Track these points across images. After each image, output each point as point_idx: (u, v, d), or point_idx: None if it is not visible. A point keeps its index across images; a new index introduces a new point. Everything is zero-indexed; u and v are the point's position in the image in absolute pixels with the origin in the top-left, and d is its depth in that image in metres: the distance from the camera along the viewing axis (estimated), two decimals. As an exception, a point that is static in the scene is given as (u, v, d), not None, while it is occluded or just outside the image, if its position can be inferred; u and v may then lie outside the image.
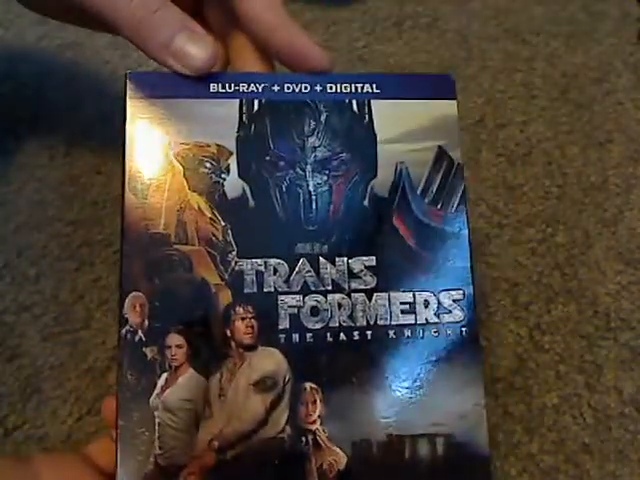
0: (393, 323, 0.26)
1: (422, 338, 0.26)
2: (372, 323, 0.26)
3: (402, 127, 0.28)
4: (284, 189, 0.27)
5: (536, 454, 0.33)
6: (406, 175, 0.28)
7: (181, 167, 0.26)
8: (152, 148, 0.26)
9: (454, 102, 0.29)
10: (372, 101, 0.28)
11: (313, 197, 0.27)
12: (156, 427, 0.24)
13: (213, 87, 0.27)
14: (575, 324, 0.37)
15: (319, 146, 0.27)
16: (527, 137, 0.46)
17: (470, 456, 0.25)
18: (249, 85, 0.27)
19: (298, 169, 0.27)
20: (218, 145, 0.26)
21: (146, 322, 0.24)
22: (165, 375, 0.24)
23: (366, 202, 0.27)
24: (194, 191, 0.26)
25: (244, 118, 0.27)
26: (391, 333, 0.26)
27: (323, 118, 0.28)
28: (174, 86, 0.26)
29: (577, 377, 0.36)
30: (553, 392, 0.35)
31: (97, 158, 0.41)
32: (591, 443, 0.34)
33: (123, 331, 0.24)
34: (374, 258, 0.27)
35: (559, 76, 0.49)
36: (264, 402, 0.25)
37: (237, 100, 0.27)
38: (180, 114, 0.26)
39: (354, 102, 0.28)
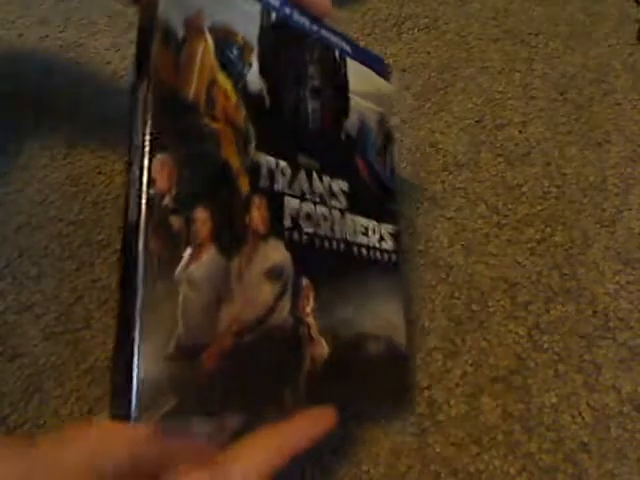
0: (356, 241, 0.31)
1: (371, 257, 0.32)
2: (343, 238, 0.30)
3: (362, 86, 0.34)
4: (292, 104, 0.30)
5: (535, 453, 0.33)
6: (367, 125, 0.34)
7: (213, 42, 0.26)
8: (186, 10, 0.25)
9: (390, 85, 0.36)
10: (347, 58, 0.33)
11: (310, 119, 0.30)
12: (180, 302, 0.22)
13: None
14: (574, 324, 0.38)
15: (314, 77, 0.31)
16: (526, 137, 0.46)
17: (398, 354, 0.32)
18: None
19: (301, 91, 0.31)
20: (244, 38, 0.28)
21: (174, 189, 0.23)
22: (189, 249, 0.23)
23: (342, 136, 0.32)
24: (223, 71, 0.26)
25: (264, 24, 0.29)
26: (355, 249, 0.31)
27: (316, 54, 0.32)
28: None
29: (576, 376, 0.36)
30: (552, 391, 0.35)
31: (98, 158, 0.42)
32: (590, 442, 0.34)
33: (151, 192, 0.22)
34: (347, 184, 0.31)
35: (558, 77, 0.50)
36: (273, 291, 0.26)
37: (260, 4, 0.29)
38: None
39: (336, 52, 0.33)
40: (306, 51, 0.31)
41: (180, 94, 0.24)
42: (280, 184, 0.27)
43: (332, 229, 0.30)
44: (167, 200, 0.23)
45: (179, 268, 0.23)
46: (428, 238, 0.41)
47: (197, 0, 0.26)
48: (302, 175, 0.29)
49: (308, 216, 0.28)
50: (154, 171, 0.23)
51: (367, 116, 0.34)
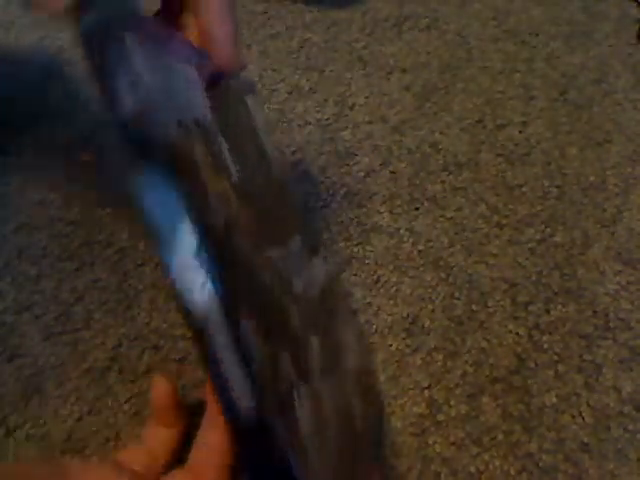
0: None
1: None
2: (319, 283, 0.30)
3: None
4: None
5: (535, 453, 0.33)
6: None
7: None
8: None
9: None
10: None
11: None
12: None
13: None
14: (574, 324, 0.38)
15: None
16: (526, 137, 0.46)
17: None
18: None
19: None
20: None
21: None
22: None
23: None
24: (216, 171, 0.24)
25: None
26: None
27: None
28: None
29: (576, 377, 0.36)
30: (552, 392, 0.35)
31: (97, 158, 0.42)
32: (590, 442, 0.34)
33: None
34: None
35: (558, 77, 0.50)
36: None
37: None
38: None
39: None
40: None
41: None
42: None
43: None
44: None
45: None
46: (428, 238, 0.41)
47: None
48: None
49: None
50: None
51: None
